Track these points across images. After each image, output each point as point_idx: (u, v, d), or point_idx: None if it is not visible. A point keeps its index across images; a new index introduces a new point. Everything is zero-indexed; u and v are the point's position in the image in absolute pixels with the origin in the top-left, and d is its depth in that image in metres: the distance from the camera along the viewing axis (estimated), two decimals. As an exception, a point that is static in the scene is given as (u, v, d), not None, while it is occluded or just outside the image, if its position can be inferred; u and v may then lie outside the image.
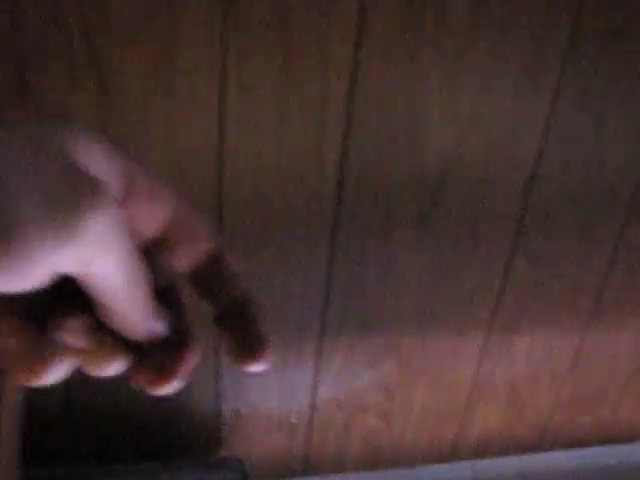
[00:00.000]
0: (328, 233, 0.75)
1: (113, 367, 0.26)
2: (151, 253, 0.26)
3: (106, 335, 0.25)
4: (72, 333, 0.25)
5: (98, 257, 0.22)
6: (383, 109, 0.69)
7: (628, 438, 1.07)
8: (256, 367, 0.28)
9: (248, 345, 0.28)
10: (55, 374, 0.25)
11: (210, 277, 0.28)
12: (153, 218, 0.26)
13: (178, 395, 0.81)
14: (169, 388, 0.26)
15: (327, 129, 0.69)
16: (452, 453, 0.99)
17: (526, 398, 0.99)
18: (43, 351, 0.24)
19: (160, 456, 0.84)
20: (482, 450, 1.01)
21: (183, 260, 0.28)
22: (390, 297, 0.82)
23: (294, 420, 0.89)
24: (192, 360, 0.27)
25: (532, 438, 1.03)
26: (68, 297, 0.25)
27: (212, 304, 0.28)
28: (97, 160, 0.23)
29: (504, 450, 1.02)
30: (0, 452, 0.29)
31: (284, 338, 0.82)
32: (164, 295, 0.26)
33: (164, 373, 0.26)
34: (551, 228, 0.82)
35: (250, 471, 0.81)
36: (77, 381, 0.79)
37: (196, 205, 0.27)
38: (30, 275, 0.21)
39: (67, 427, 0.81)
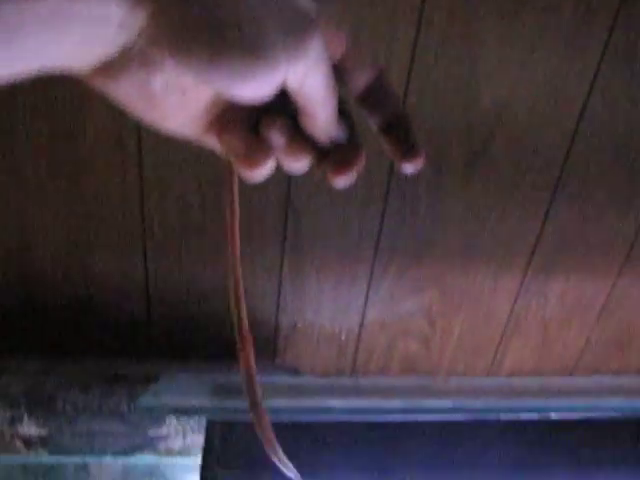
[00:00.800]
0: (386, 168, 0.84)
1: (304, 162, 0.36)
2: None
3: (301, 136, 0.35)
4: (277, 131, 0.34)
5: (313, 70, 0.30)
6: (443, 56, 0.77)
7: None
8: (412, 167, 0.37)
9: (407, 150, 0.36)
10: (266, 168, 0.35)
11: (376, 95, 0.37)
12: (335, 46, 0.34)
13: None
14: (345, 180, 0.36)
15: (391, 72, 0.77)
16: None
17: (557, 338, 1.07)
18: (259, 148, 0.35)
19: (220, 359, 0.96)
20: (512, 383, 1.10)
21: (357, 82, 0.36)
22: (438, 231, 0.90)
23: (343, 337, 0.99)
24: (361, 160, 0.36)
25: (560, 378, 1.11)
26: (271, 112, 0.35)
27: (377, 118, 0.37)
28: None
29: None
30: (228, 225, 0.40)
31: (340, 261, 0.91)
32: (341, 112, 0.36)
33: (343, 166, 0.36)
34: (591, 178, 0.89)
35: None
36: (158, 291, 0.90)
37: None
38: (268, 83, 0.29)
39: (148, 333, 0.92)
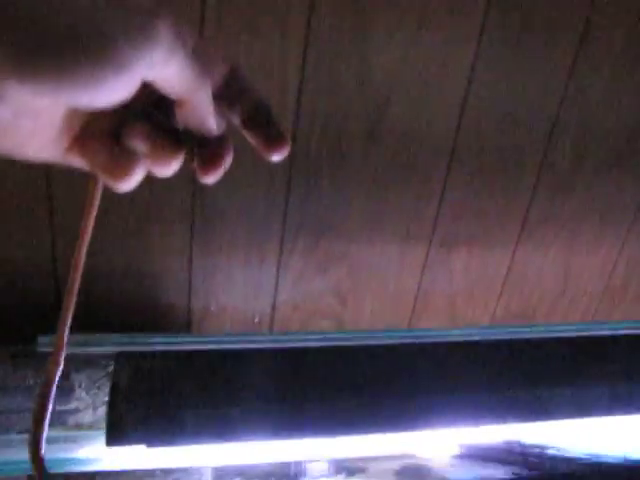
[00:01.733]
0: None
1: (173, 165, 0.36)
2: None
3: (165, 139, 0.35)
4: (138, 137, 0.34)
5: (172, 56, 0.30)
6: (336, 38, 0.81)
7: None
8: (279, 155, 0.38)
9: (271, 138, 0.37)
10: (134, 177, 0.34)
11: (233, 90, 0.37)
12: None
13: (153, 288, 0.91)
14: (216, 176, 0.37)
15: (288, 52, 0.80)
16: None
17: (464, 313, 1.11)
18: (124, 158, 0.34)
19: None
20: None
21: (213, 79, 0.36)
22: (342, 206, 0.93)
23: (257, 320, 1.00)
24: (230, 157, 0.37)
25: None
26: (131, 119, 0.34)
27: (238, 112, 0.38)
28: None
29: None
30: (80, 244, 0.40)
31: (248, 241, 0.93)
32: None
33: (216, 160, 0.37)
34: (483, 148, 0.94)
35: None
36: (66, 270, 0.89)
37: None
38: (124, 82, 0.28)
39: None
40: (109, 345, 0.65)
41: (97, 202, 0.38)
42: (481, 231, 1.02)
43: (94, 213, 0.39)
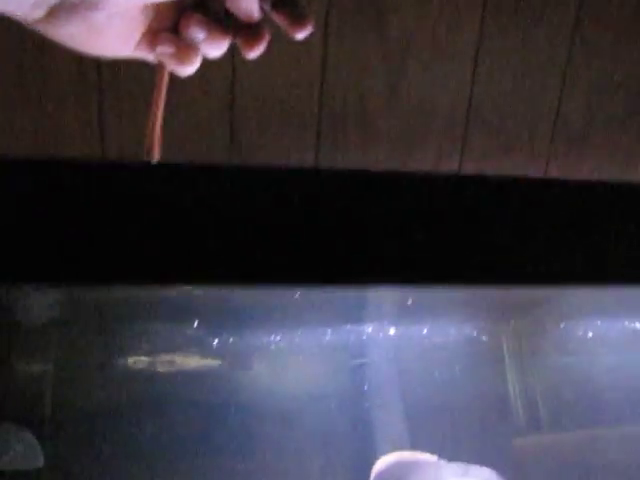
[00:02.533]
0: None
1: (224, 46, 0.42)
2: None
3: (217, 25, 0.41)
4: (196, 26, 0.41)
5: None
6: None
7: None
8: (303, 33, 0.43)
9: (297, 19, 0.42)
10: (195, 61, 0.41)
11: None
12: None
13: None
14: (257, 52, 0.43)
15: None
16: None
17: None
18: (186, 46, 0.41)
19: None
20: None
21: None
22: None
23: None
24: (267, 38, 0.43)
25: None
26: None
27: None
28: None
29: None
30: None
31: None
32: None
33: (255, 40, 0.42)
34: (495, 124, 0.98)
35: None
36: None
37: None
38: None
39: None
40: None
41: (165, 87, 0.44)
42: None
43: (164, 97, 0.45)
